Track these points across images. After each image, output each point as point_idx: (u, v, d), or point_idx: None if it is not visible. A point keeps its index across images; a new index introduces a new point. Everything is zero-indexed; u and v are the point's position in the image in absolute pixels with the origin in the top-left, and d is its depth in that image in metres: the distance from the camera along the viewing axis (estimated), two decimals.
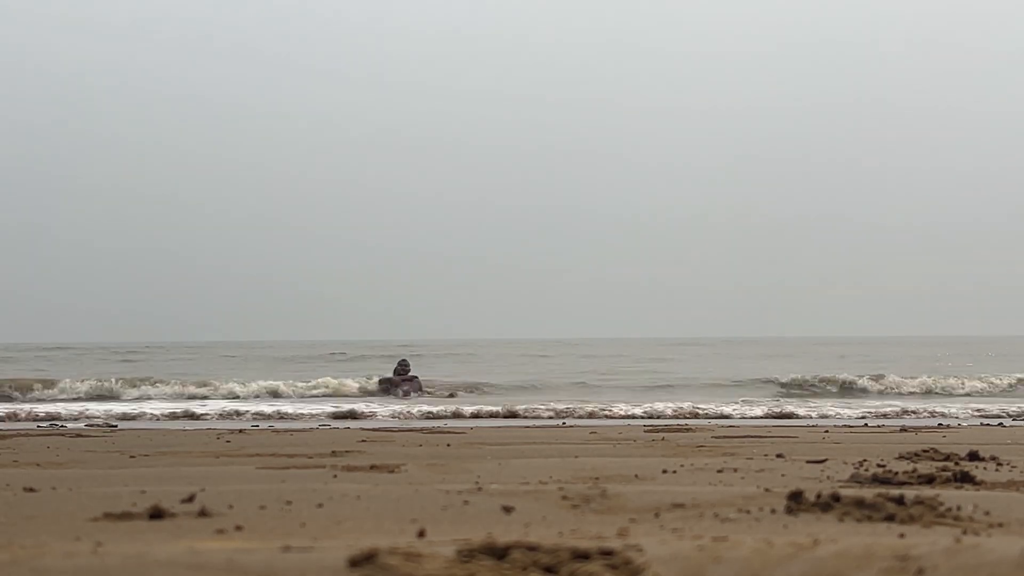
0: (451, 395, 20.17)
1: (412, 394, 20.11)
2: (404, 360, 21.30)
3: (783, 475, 4.30)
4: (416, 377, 20.87)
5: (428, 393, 20.43)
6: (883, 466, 4.47)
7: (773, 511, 3.01)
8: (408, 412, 15.06)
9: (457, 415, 14.91)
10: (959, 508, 3.02)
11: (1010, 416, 14.38)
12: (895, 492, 3.12)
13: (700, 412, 14.86)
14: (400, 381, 20.54)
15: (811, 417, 14.25)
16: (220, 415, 14.81)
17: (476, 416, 14.84)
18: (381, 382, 20.95)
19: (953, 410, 15.18)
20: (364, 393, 20.20)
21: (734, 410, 15.11)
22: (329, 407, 15.63)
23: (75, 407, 15.89)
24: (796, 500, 3.04)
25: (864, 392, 21.16)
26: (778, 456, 5.31)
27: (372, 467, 4.63)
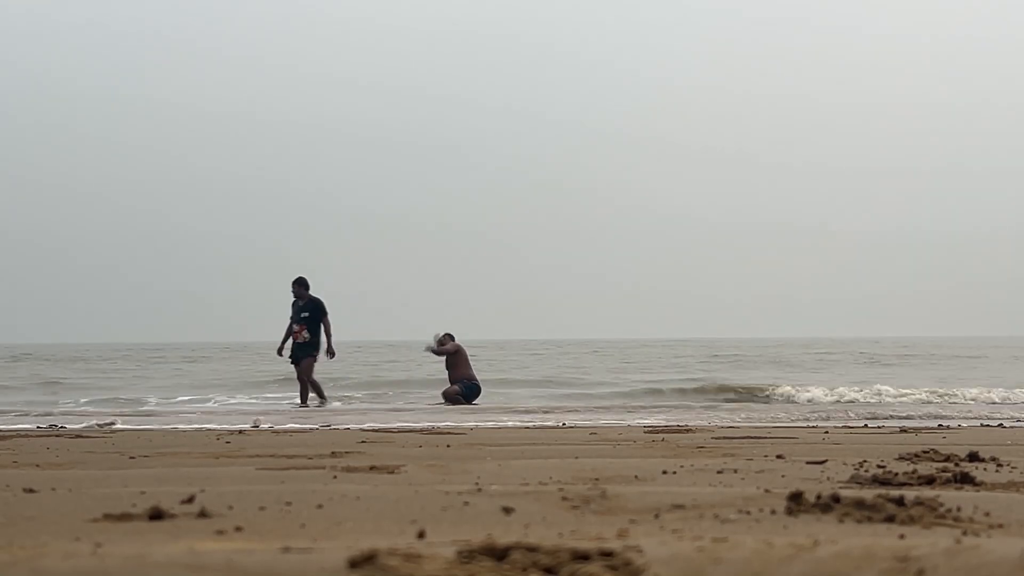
0: None
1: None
2: (448, 334, 17.04)
3: (783, 476, 4.30)
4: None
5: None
6: (883, 467, 4.47)
7: (773, 512, 3.01)
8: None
9: None
10: (959, 509, 3.01)
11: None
12: (895, 493, 3.12)
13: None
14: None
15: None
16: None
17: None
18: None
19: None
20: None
21: None
22: None
23: None
24: (796, 501, 3.04)
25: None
26: (778, 457, 5.31)
27: (372, 468, 4.63)
